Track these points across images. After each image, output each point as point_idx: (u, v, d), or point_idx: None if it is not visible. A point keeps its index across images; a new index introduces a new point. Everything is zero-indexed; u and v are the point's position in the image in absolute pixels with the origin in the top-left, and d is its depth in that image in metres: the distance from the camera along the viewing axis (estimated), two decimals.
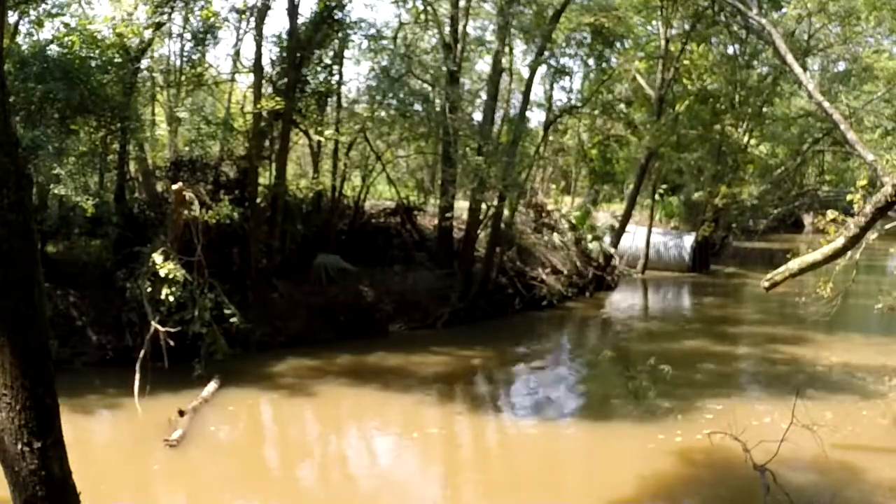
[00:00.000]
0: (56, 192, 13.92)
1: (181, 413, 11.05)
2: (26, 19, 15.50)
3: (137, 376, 11.89)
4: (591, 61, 25.43)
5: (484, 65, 27.31)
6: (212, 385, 12.61)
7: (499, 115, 22.78)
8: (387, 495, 9.58)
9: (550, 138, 27.56)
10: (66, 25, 15.75)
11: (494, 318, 19.08)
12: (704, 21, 24.60)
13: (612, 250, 25.16)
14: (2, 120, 3.95)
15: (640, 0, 25.29)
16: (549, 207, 25.94)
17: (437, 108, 18.57)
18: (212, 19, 16.63)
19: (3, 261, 4.06)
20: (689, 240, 28.22)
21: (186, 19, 17.35)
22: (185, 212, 13.53)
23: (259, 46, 16.81)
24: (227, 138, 17.22)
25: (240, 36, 18.46)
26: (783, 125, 31.01)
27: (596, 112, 27.63)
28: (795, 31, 28.34)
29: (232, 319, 13.38)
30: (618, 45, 24.40)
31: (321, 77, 18.28)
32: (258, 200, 16.87)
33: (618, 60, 26.10)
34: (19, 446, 4.21)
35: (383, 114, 19.76)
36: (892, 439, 11.05)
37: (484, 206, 19.59)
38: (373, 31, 19.23)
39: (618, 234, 26.22)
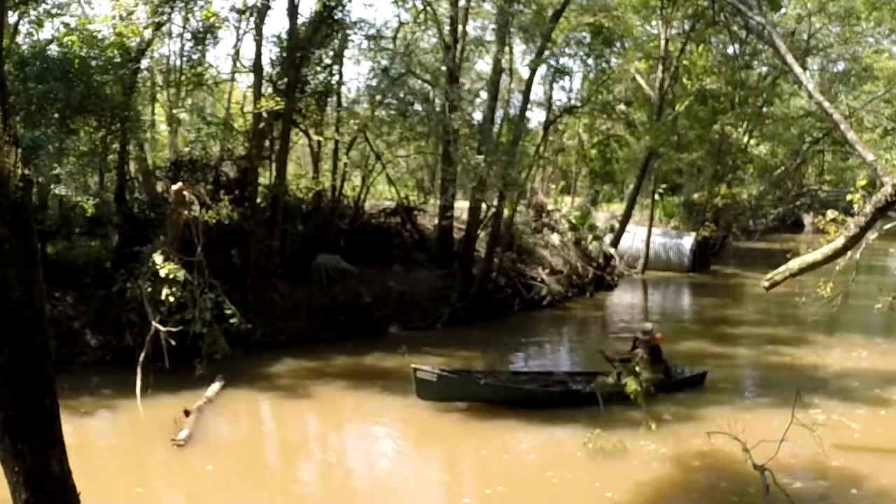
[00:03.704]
0: (56, 192, 13.93)
1: (187, 413, 11.02)
2: (26, 19, 15.51)
3: (139, 376, 11.89)
4: (590, 61, 25.44)
5: (484, 65, 27.37)
6: (216, 385, 12.59)
7: (499, 114, 22.80)
8: (386, 496, 9.58)
9: (550, 138, 27.57)
10: (66, 25, 15.78)
11: (494, 319, 19.08)
12: (704, 21, 24.60)
13: (612, 250, 25.15)
14: (2, 120, 3.96)
15: (639, 0, 25.28)
16: (549, 207, 25.94)
17: (437, 108, 18.57)
18: (212, 19, 16.64)
19: (3, 261, 4.05)
20: (688, 240, 28.21)
21: (186, 19, 17.36)
22: (185, 212, 13.53)
23: (259, 46, 16.85)
24: (227, 138, 17.23)
25: (240, 36, 18.53)
26: (783, 125, 31.01)
27: (596, 112, 27.63)
28: (795, 31, 28.35)
29: (232, 320, 13.38)
30: (617, 45, 24.41)
31: (321, 77, 18.28)
32: (258, 200, 16.88)
33: (617, 60, 26.11)
34: (19, 446, 4.21)
35: (383, 114, 19.76)
36: (892, 440, 11.04)
37: (484, 205, 19.60)
38: (373, 30, 19.28)
39: (618, 234, 26.22)
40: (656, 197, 29.86)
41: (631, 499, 9.09)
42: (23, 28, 15.73)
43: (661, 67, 25.74)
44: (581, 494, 9.32)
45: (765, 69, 29.01)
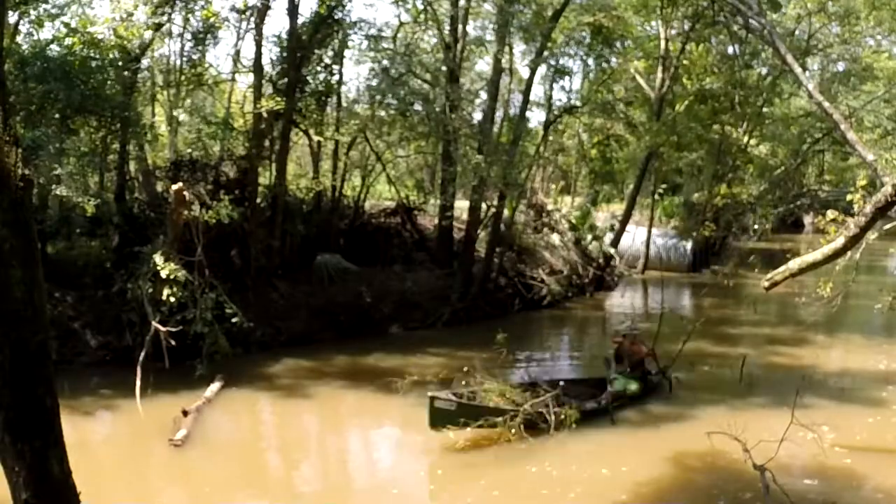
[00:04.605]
0: (56, 192, 13.93)
1: (185, 413, 11.02)
2: (26, 19, 15.52)
3: (139, 376, 11.89)
4: (590, 61, 25.45)
5: (484, 65, 27.38)
6: (215, 385, 12.58)
7: (499, 114, 22.80)
8: (385, 496, 9.58)
9: (550, 138, 27.57)
10: (66, 26, 15.77)
11: (494, 318, 18.99)
12: (704, 21, 24.58)
13: (612, 250, 25.16)
14: (2, 120, 3.96)
15: (639, 0, 25.27)
16: (549, 207, 25.94)
17: (437, 108, 18.58)
18: (212, 19, 16.66)
19: (4, 261, 4.06)
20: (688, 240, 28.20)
21: (186, 19, 17.39)
22: (185, 212, 13.52)
23: (259, 46, 16.85)
24: (227, 138, 17.24)
25: (240, 36, 18.57)
26: (783, 125, 31.01)
27: (596, 112, 27.65)
28: (795, 31, 28.35)
29: (234, 319, 13.38)
30: (617, 44, 24.41)
31: (321, 77, 18.31)
32: (258, 200, 16.88)
33: (618, 60, 26.10)
34: (19, 446, 4.21)
35: (383, 114, 19.78)
36: (892, 440, 11.05)
37: (484, 205, 19.61)
38: (373, 31, 19.30)
39: (618, 234, 26.22)
40: (656, 197, 29.85)
41: (630, 499, 9.09)
42: (23, 28, 15.74)
43: (661, 67, 25.73)
44: (580, 495, 9.31)
45: (765, 69, 29.00)
